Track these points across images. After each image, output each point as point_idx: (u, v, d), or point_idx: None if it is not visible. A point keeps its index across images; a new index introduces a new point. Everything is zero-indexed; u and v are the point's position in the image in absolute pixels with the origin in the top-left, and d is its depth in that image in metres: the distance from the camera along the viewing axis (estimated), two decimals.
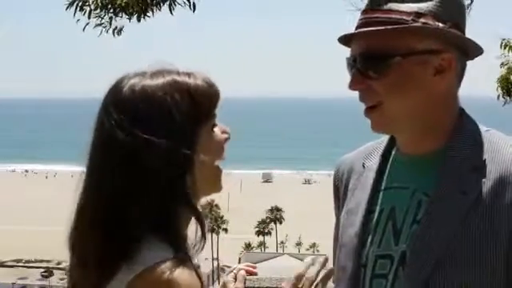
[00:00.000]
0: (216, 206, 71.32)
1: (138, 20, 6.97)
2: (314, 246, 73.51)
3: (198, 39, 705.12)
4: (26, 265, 71.92)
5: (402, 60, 1.62)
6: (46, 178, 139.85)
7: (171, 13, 6.89)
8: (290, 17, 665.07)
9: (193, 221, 1.47)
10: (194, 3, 6.92)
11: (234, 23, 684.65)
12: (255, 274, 1.94)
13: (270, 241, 79.30)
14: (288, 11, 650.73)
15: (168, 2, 6.90)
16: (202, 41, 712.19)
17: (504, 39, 11.90)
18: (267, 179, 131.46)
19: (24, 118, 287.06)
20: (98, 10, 6.90)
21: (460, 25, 1.68)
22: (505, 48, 11.88)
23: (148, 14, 7.01)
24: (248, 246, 73.27)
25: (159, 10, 7.00)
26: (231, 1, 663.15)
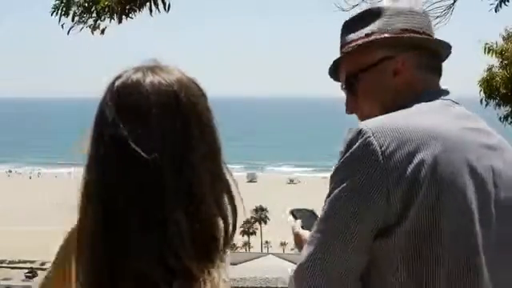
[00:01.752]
0: None
1: (120, 21, 7.05)
2: None
3: (198, 38, 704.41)
4: (10, 265, 71.42)
5: (363, 74, 1.92)
6: (30, 178, 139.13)
7: (151, 14, 6.94)
8: (289, 17, 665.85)
9: None
10: (169, 4, 6.97)
11: (233, 23, 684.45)
12: None
13: (254, 241, 79.37)
14: (285, 11, 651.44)
15: (149, 4, 6.95)
16: (202, 39, 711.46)
17: (487, 43, 11.96)
18: (252, 179, 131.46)
19: (9, 118, 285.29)
20: (82, 14, 6.99)
21: (412, 29, 1.91)
22: (488, 52, 11.93)
23: (130, 15, 7.08)
24: (232, 246, 73.21)
25: (140, 11, 7.05)
26: (231, 1, 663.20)
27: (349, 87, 1.97)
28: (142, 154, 1.26)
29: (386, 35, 1.89)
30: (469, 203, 1.63)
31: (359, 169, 1.62)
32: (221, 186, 1.35)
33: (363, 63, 1.92)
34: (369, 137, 1.63)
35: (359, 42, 1.91)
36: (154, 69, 1.37)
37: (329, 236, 1.63)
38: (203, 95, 1.39)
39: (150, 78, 1.33)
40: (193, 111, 1.33)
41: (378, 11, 1.94)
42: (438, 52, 1.94)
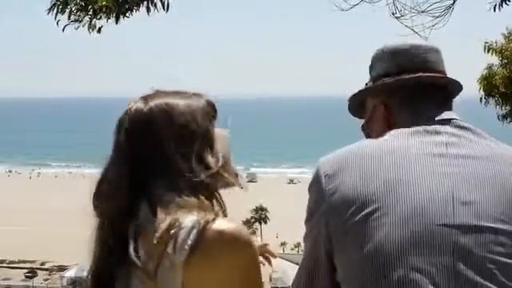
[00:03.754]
0: None
1: (116, 21, 7.04)
2: (298, 245, 73.60)
3: (198, 37, 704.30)
4: (10, 265, 71.41)
5: (369, 124, 2.01)
6: (30, 178, 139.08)
7: (148, 13, 6.94)
8: (289, 16, 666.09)
9: None
10: (168, 3, 6.98)
11: (233, 22, 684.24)
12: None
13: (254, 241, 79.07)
14: (283, 11, 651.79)
15: (145, 4, 6.94)
16: (202, 38, 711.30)
17: (487, 42, 11.97)
18: (252, 179, 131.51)
19: (9, 118, 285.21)
20: (78, 12, 6.99)
21: (381, 75, 1.96)
22: (488, 51, 11.95)
23: (127, 15, 7.08)
24: None
25: (137, 10, 7.05)
26: (231, 1, 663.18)
27: (366, 136, 2.03)
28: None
29: (369, 84, 2.00)
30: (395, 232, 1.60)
31: (311, 197, 1.80)
32: (195, 155, 1.63)
33: (366, 114, 2.02)
34: (318, 165, 1.80)
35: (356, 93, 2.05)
36: (149, 95, 1.70)
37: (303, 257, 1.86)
38: (203, 109, 1.70)
39: (136, 105, 1.67)
40: (164, 120, 1.64)
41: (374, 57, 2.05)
42: (426, 83, 1.90)
